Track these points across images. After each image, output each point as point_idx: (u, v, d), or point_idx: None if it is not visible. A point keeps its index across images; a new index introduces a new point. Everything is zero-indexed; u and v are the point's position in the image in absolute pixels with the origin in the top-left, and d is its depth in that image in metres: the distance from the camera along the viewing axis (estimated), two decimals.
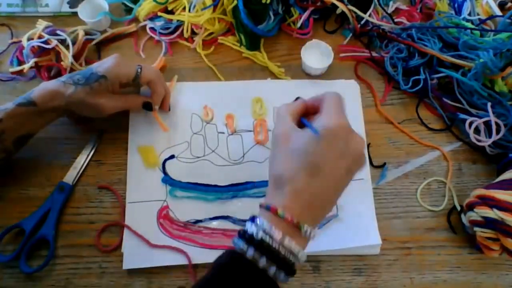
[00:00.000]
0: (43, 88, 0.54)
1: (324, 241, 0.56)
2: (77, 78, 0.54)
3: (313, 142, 0.41)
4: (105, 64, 0.55)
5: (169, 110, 0.63)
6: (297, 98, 0.49)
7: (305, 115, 0.48)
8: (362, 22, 0.71)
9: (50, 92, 0.53)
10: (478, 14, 0.71)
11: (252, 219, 0.40)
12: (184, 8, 0.67)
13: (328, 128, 0.41)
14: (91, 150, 0.61)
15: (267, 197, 0.42)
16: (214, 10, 0.68)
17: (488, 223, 0.51)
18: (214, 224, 0.57)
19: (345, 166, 0.41)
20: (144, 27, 0.71)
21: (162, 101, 0.61)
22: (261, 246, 0.38)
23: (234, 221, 0.57)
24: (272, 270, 0.38)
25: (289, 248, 0.38)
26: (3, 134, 0.52)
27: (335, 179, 0.41)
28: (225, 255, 0.40)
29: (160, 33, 0.70)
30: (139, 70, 0.56)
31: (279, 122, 0.45)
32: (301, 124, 0.46)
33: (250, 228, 0.39)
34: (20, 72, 0.66)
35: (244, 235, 0.39)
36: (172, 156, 0.61)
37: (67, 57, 0.65)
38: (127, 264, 0.54)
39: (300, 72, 0.69)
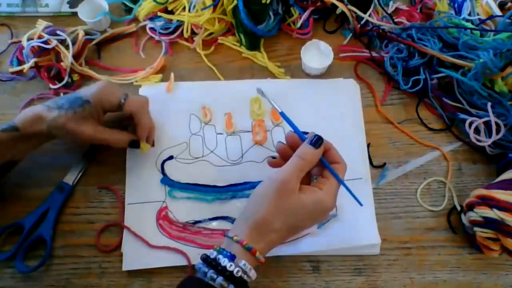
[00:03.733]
0: (26, 112, 0.52)
1: (324, 240, 0.56)
2: (62, 102, 0.52)
3: (311, 212, 0.46)
4: (91, 89, 0.53)
5: (153, 145, 0.60)
6: (316, 140, 0.48)
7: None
8: (362, 22, 0.71)
9: (32, 116, 0.52)
10: (478, 14, 0.71)
11: (232, 257, 0.43)
12: (184, 8, 0.67)
13: (324, 207, 0.46)
14: (92, 151, 0.61)
15: (244, 236, 0.44)
16: (214, 10, 0.68)
17: (488, 223, 0.51)
18: (213, 224, 0.57)
19: (311, 226, 0.50)
20: (144, 27, 0.71)
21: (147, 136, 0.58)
22: (240, 284, 0.42)
23: (233, 221, 0.57)
24: None
25: (253, 278, 0.44)
26: None
27: (300, 231, 0.51)
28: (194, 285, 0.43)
29: (160, 33, 0.70)
30: (123, 98, 0.54)
31: (289, 172, 0.46)
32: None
33: (230, 266, 0.42)
34: (20, 72, 0.66)
35: (223, 272, 0.42)
36: (171, 157, 0.61)
37: (67, 57, 0.65)
38: (127, 265, 0.54)
39: (300, 72, 0.69)
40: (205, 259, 0.44)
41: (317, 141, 0.48)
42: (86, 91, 0.53)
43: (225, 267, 0.42)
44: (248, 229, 0.45)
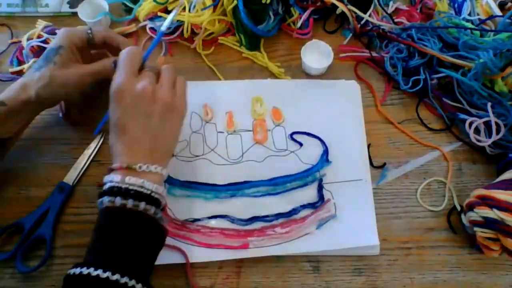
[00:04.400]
0: (10, 86, 0.53)
1: (322, 241, 0.55)
2: (39, 63, 0.53)
3: (112, 106, 0.47)
4: (57, 36, 0.55)
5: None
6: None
7: None
8: (362, 22, 0.71)
9: (17, 86, 0.52)
10: (478, 14, 0.71)
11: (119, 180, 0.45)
12: (184, 8, 0.67)
13: (116, 90, 0.47)
14: (92, 151, 0.61)
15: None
16: (214, 10, 0.68)
17: (488, 223, 0.51)
18: (213, 223, 0.57)
19: (136, 107, 0.47)
20: (144, 27, 0.71)
21: None
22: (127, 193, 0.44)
23: (233, 220, 0.57)
24: (142, 206, 0.44)
25: (132, 183, 0.45)
26: None
27: (148, 128, 0.48)
28: (101, 217, 0.45)
29: None
30: (89, 29, 0.56)
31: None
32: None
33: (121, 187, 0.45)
34: (20, 72, 0.66)
35: (119, 192, 0.44)
36: None
37: None
38: None
39: (300, 72, 0.69)
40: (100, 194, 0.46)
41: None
42: (54, 41, 0.55)
43: (118, 187, 0.45)
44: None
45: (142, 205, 0.44)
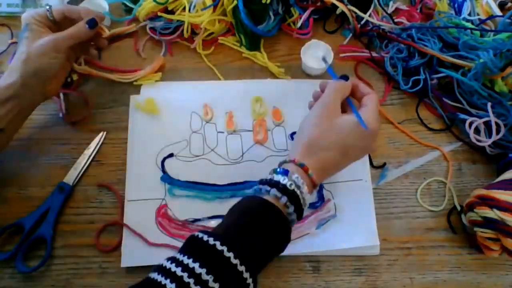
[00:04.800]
0: None
1: (322, 241, 0.56)
2: (17, 49, 0.55)
3: (356, 131, 0.49)
4: (22, 18, 0.56)
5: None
6: (343, 76, 0.54)
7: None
8: (362, 22, 0.71)
9: (5, 73, 0.54)
10: (478, 14, 0.71)
11: (285, 172, 0.46)
12: (184, 8, 0.67)
13: (369, 125, 0.48)
14: (92, 151, 0.61)
15: (297, 155, 0.48)
16: (214, 10, 0.68)
17: (488, 223, 0.51)
18: (213, 223, 0.57)
19: (360, 156, 0.52)
20: (144, 27, 0.71)
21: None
22: (292, 196, 0.44)
23: None
24: (294, 216, 0.45)
25: (306, 198, 0.47)
26: None
27: (351, 161, 0.51)
28: (254, 203, 0.45)
29: (160, 33, 0.70)
30: (47, 7, 0.57)
31: (333, 94, 0.51)
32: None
33: (283, 180, 0.45)
34: None
35: (276, 185, 0.45)
36: (171, 155, 0.61)
37: None
38: (126, 262, 0.54)
39: (300, 72, 0.69)
40: (261, 181, 0.47)
41: (344, 76, 0.54)
42: (22, 23, 0.56)
43: (278, 181, 0.45)
44: (299, 150, 0.49)
45: (291, 209, 0.45)
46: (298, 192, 0.45)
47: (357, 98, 0.53)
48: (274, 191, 0.44)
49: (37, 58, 0.53)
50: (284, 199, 0.44)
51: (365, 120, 0.48)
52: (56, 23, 0.58)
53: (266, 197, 0.45)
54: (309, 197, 0.47)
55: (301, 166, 0.47)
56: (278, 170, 0.47)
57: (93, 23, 0.57)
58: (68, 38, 0.56)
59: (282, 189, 0.44)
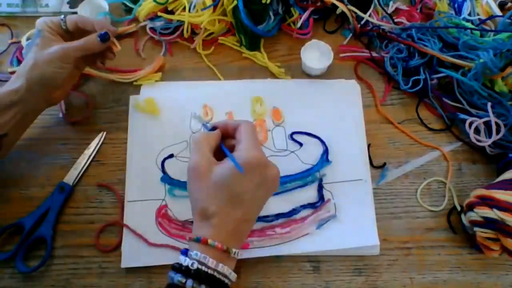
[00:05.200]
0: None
1: (322, 241, 0.56)
2: (27, 53, 0.55)
3: (235, 176, 0.44)
4: (36, 25, 0.56)
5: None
6: (213, 128, 0.51)
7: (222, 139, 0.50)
8: (362, 22, 0.71)
9: (12, 78, 0.54)
10: (478, 14, 0.71)
11: (185, 252, 0.43)
12: (184, 8, 0.67)
13: (247, 161, 0.44)
14: (92, 151, 0.61)
15: (194, 230, 0.45)
16: (214, 10, 0.68)
17: (488, 223, 0.51)
18: None
19: (263, 193, 0.46)
20: (144, 27, 0.71)
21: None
22: (198, 275, 0.41)
23: None
24: None
25: (222, 272, 0.42)
26: None
27: (255, 205, 0.47)
28: None
29: (160, 33, 0.70)
30: (63, 16, 0.57)
31: (196, 153, 0.46)
32: (216, 151, 0.48)
33: (185, 261, 0.41)
34: None
35: (180, 269, 0.41)
36: (171, 155, 0.61)
37: None
38: (126, 263, 0.54)
39: (300, 72, 0.69)
40: (173, 266, 0.43)
41: (212, 128, 0.51)
42: (35, 27, 0.56)
43: (181, 264, 0.42)
44: (195, 224, 0.45)
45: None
46: (204, 268, 0.41)
47: (232, 136, 0.49)
48: (178, 276, 0.41)
49: (44, 65, 0.53)
50: (190, 282, 0.40)
51: (243, 156, 0.44)
52: (69, 32, 0.57)
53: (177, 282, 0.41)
54: (226, 267, 0.42)
55: (197, 240, 0.42)
56: (182, 251, 0.43)
57: (104, 37, 0.57)
58: (77, 50, 0.55)
59: (185, 271, 0.41)
